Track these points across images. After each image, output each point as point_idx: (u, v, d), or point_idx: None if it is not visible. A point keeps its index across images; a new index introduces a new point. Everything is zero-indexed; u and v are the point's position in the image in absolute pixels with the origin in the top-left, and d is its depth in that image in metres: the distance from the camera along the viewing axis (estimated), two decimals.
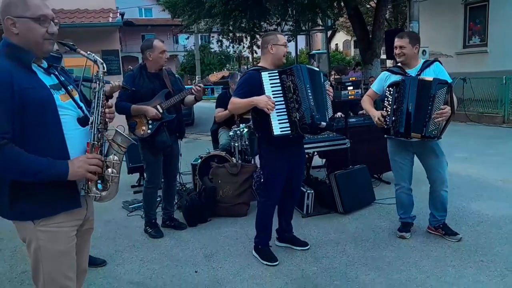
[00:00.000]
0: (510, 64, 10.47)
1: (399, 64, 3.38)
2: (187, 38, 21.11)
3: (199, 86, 3.54)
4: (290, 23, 14.11)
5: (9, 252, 3.53)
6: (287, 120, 2.84)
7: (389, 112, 3.20)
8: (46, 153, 1.55)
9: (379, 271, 2.96)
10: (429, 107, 3.04)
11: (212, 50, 31.04)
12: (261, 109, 2.77)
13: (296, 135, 2.88)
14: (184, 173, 5.40)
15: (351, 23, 12.90)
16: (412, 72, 3.27)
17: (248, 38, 16.21)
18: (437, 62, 3.28)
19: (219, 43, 16.75)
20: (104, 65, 1.74)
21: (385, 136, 3.38)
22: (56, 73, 1.71)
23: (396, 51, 3.29)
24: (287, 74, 2.84)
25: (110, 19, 8.98)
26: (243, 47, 17.89)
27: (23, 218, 1.62)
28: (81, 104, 1.73)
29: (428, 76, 3.17)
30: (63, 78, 1.72)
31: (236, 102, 2.94)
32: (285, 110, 2.85)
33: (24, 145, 1.52)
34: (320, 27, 21.18)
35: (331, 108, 2.99)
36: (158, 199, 4.02)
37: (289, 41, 18.23)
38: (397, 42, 3.28)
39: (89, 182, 1.67)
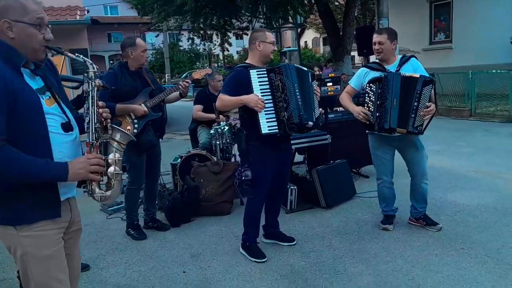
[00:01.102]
0: (474, 60, 10.93)
1: (376, 60, 3.44)
2: (157, 36, 20.80)
3: (187, 82, 3.51)
4: (262, 20, 14.13)
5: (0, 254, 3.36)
6: (275, 119, 2.85)
7: (371, 108, 3.25)
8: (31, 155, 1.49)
9: (366, 263, 3.02)
10: (415, 103, 3.11)
11: (182, 48, 30.70)
12: (250, 108, 2.76)
13: (284, 134, 2.88)
14: (163, 173, 5.31)
15: (322, 20, 13.08)
16: (391, 68, 3.34)
17: (219, 36, 16.13)
18: (414, 58, 3.38)
19: (189, 41, 16.60)
20: (94, 65, 1.68)
21: (367, 132, 3.44)
22: (41, 74, 1.63)
23: (375, 47, 3.34)
24: (275, 73, 2.84)
25: (78, 17, 8.70)
26: (214, 44, 17.78)
27: (3, 223, 1.55)
28: (65, 109, 1.66)
29: (407, 71, 3.25)
30: (49, 80, 1.65)
31: (224, 99, 2.92)
32: (273, 109, 2.85)
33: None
34: (291, 25, 21.33)
35: (318, 108, 3.01)
36: (140, 200, 3.94)
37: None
38: (376, 38, 3.33)
39: (93, 183, 1.61)
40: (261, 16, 13.33)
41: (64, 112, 1.64)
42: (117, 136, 1.69)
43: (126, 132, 1.72)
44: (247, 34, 16.60)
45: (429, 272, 2.83)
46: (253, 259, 3.13)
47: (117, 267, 3.18)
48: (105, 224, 4.11)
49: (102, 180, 1.63)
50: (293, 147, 4.08)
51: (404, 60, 3.37)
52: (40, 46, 1.56)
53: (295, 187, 4.07)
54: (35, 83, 1.59)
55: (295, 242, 3.38)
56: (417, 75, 3.16)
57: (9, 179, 1.46)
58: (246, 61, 3.12)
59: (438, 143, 6.69)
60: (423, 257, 3.03)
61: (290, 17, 15.65)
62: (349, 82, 3.56)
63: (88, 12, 9.93)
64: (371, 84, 3.28)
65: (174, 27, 15.77)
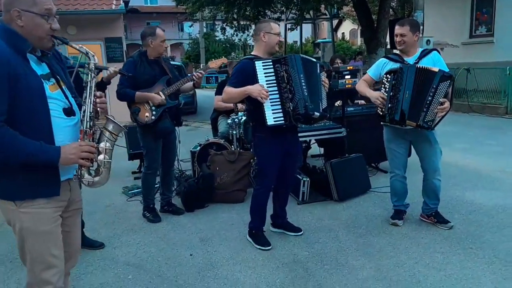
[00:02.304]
0: None
1: (397, 51, 3.39)
2: (191, 26, 21.06)
3: (200, 73, 3.59)
4: (294, 11, 14.01)
5: (12, 233, 3.62)
6: (280, 110, 2.87)
7: (385, 99, 3.22)
8: (34, 136, 1.59)
9: (369, 256, 3.02)
10: (429, 98, 3.06)
11: (217, 38, 30.91)
12: (254, 98, 2.81)
13: (290, 125, 2.91)
14: (185, 160, 5.48)
15: (356, 11, 12.80)
16: (410, 60, 3.29)
17: (253, 26, 16.12)
18: (435, 51, 3.31)
19: (222, 31, 16.70)
20: (95, 57, 1.79)
21: (381, 123, 3.42)
22: (47, 62, 1.74)
23: (397, 39, 3.29)
24: (281, 64, 2.87)
25: (113, 6, 9.00)
26: (247, 35, 17.82)
27: (4, 197, 1.67)
28: (68, 94, 1.76)
29: (426, 65, 3.18)
30: (54, 67, 1.75)
31: (229, 91, 2.98)
32: (278, 100, 2.88)
33: (13, 129, 1.57)
34: (326, 16, 20.99)
35: (325, 99, 3.02)
36: (157, 185, 4.11)
37: (292, 29, 18.18)
38: (398, 30, 3.28)
39: (82, 168, 1.71)
40: (293, 7, 13.23)
41: (67, 98, 1.74)
42: (110, 127, 1.79)
43: (118, 123, 1.82)
44: (278, 25, 16.53)
45: (432, 269, 2.80)
46: (258, 247, 3.21)
47: (129, 247, 3.35)
48: (125, 206, 4.32)
49: (92, 166, 1.74)
50: (307, 138, 4.11)
51: (424, 53, 3.31)
52: (46, 35, 1.66)
53: (308, 179, 4.10)
54: (41, 69, 1.70)
55: (301, 232, 3.43)
56: (436, 69, 3.10)
57: (3, 159, 1.57)
58: (252, 53, 3.16)
59: (466, 141, 6.48)
60: (428, 255, 3.00)
61: (323, 8, 15.40)
62: (367, 71, 3.54)
63: (127, 2, 10.19)
64: (387, 75, 3.25)
65: (208, 17, 15.91)
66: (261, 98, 2.78)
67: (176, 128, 3.99)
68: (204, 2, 13.09)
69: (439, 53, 3.30)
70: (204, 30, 26.64)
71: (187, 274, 2.89)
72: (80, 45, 1.80)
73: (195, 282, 2.79)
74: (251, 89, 2.84)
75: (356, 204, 4.08)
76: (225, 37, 28.48)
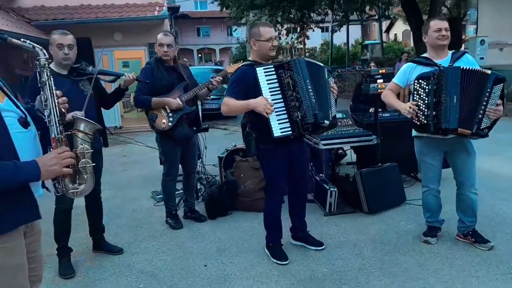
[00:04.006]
0: None
1: (426, 55, 3.12)
2: (235, 30, 21.24)
3: (219, 78, 3.51)
4: (338, 12, 13.68)
5: None
6: (287, 120, 2.68)
7: (421, 107, 2.94)
8: None
9: (393, 277, 2.78)
10: (484, 103, 2.77)
11: None
12: (258, 112, 2.64)
13: (297, 135, 2.73)
14: (216, 165, 5.43)
15: (405, 11, 12.26)
16: (443, 62, 3.00)
17: (298, 29, 15.98)
18: (467, 53, 3.03)
19: None
20: (45, 51, 1.61)
21: (416, 135, 3.14)
22: None
23: (442, 33, 2.96)
24: (284, 69, 2.67)
25: (156, 13, 9.22)
26: (291, 38, 17.68)
27: None
28: (18, 104, 1.58)
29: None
30: None
31: (230, 104, 2.76)
32: (284, 109, 2.69)
33: None
34: (374, 17, 20.33)
35: (335, 106, 2.81)
36: (181, 191, 4.08)
37: (334, 31, 17.74)
38: (442, 23, 2.98)
39: (65, 179, 1.58)
40: (337, 9, 12.91)
41: (18, 107, 1.56)
42: (81, 127, 1.65)
43: (90, 121, 1.70)
44: (319, 27, 16.24)
45: None
46: (275, 260, 3.06)
47: (146, 254, 3.33)
48: (151, 211, 4.33)
49: (76, 175, 1.60)
50: (334, 146, 3.89)
51: (457, 56, 3.02)
52: None
53: (335, 189, 3.89)
54: None
55: (323, 247, 3.23)
56: (488, 71, 2.82)
57: None
58: (250, 59, 3.00)
59: None
60: (460, 278, 2.70)
61: (369, 9, 14.89)
62: (393, 79, 3.28)
63: (179, 8, 10.35)
64: (420, 81, 2.97)
65: (253, 21, 15.93)
66: (267, 113, 2.60)
67: (203, 133, 3.93)
68: (247, 6, 13.13)
69: (470, 55, 3.00)
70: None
71: (197, 286, 2.80)
72: (23, 40, 1.60)
73: None
74: (255, 104, 2.65)
75: (387, 217, 3.81)
76: None
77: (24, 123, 1.53)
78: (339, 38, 24.64)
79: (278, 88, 2.71)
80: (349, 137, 3.88)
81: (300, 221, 3.27)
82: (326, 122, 2.66)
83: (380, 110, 4.49)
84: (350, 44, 29.52)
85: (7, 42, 1.59)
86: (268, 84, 2.70)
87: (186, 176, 3.87)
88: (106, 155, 7.56)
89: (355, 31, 26.29)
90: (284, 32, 17.16)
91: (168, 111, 3.47)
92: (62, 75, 2.91)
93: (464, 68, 2.84)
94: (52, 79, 1.60)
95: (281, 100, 2.71)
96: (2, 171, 1.38)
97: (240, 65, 3.48)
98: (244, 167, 4.19)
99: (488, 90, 2.73)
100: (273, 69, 2.72)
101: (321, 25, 18.01)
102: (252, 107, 2.68)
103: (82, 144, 1.64)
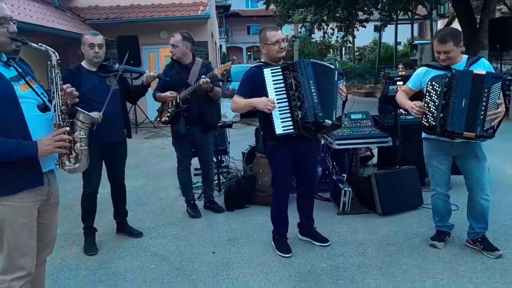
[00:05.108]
0: None
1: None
2: (282, 27, 21.31)
3: (206, 80, 3.52)
4: (383, 12, 13.38)
5: (71, 217, 4.12)
6: (290, 119, 2.80)
7: (431, 109, 2.95)
8: (10, 137, 1.74)
9: (390, 277, 2.82)
10: (484, 104, 2.76)
11: (313, 40, 30.73)
12: (260, 110, 2.80)
13: (299, 134, 2.84)
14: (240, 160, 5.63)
15: (455, 9, 11.77)
16: (457, 67, 2.98)
17: (343, 28, 15.80)
18: (483, 58, 2.98)
19: (308, 33, 16.60)
20: (56, 54, 1.91)
21: (424, 137, 3.15)
22: (15, 65, 1.91)
23: (441, 56, 2.95)
24: (289, 70, 2.80)
25: (199, 12, 9.58)
26: (336, 37, 17.48)
27: None
28: (40, 93, 1.91)
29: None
30: (20, 70, 1.92)
31: (237, 101, 2.97)
32: (288, 108, 2.81)
33: None
34: (419, 16, 19.56)
35: (341, 107, 2.88)
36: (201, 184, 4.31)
37: (378, 31, 17.21)
38: (441, 47, 2.91)
39: (63, 157, 1.90)
40: (382, 7, 12.63)
41: (39, 96, 1.89)
42: (80, 117, 1.95)
43: (88, 113, 1.97)
44: (364, 27, 15.88)
45: None
46: (279, 253, 3.20)
47: (163, 238, 3.59)
48: (175, 200, 4.60)
49: (72, 155, 1.92)
50: (349, 147, 3.94)
51: (472, 61, 2.98)
52: (5, 39, 1.80)
53: (350, 189, 3.94)
54: (9, 73, 1.85)
55: (328, 243, 3.32)
56: (483, 72, 2.80)
57: None
58: (262, 60, 3.13)
59: None
60: (458, 284, 2.69)
61: (414, 8, 14.39)
62: (407, 82, 3.28)
63: (230, 6, 10.64)
64: (433, 82, 2.97)
65: (298, 20, 15.97)
66: (268, 110, 2.75)
67: (227, 129, 4.07)
68: (291, 5, 13.20)
69: (485, 59, 2.94)
70: (302, 32, 26.72)
71: (202, 271, 3.01)
72: (40, 44, 1.90)
73: (206, 279, 2.90)
74: (257, 102, 2.82)
75: (400, 220, 3.80)
76: (321, 39, 28.25)
77: (43, 109, 1.88)
78: (392, 37, 23.97)
79: (284, 88, 2.84)
80: (364, 138, 3.91)
81: (307, 218, 3.38)
82: (328, 121, 2.75)
83: (404, 112, 4.46)
84: (402, 44, 28.55)
85: (28, 45, 1.90)
86: (274, 84, 2.84)
87: (203, 171, 4.12)
88: (146, 147, 8.07)
89: (408, 30, 25.36)
90: (331, 31, 16.98)
91: (170, 106, 3.71)
92: (91, 72, 3.21)
93: (475, 72, 2.82)
94: (59, 76, 1.90)
95: (286, 99, 2.83)
96: (6, 146, 1.72)
97: (225, 68, 3.62)
98: (263, 163, 4.33)
99: (487, 90, 2.70)
100: (279, 70, 2.85)
101: (369, 24, 17.69)
102: (254, 105, 2.86)
103: (79, 131, 1.94)
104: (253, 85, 2.92)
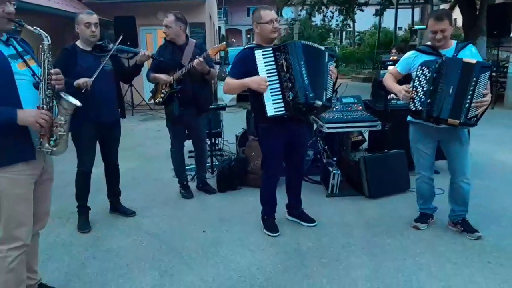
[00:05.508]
0: None
1: (428, 43, 3.14)
2: (277, 11, 21.09)
3: (199, 60, 3.54)
4: None
5: (68, 195, 4.19)
6: (281, 100, 2.85)
7: (419, 94, 3.01)
8: None
9: (373, 256, 2.93)
10: (470, 92, 2.83)
11: (314, 24, 30.44)
12: (254, 89, 2.85)
13: (291, 115, 2.90)
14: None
15: None
16: (446, 53, 3.02)
17: (343, 11, 15.67)
18: (471, 44, 3.03)
19: (309, 16, 16.47)
20: (48, 38, 1.98)
21: (410, 120, 3.22)
22: (15, 44, 2.00)
23: (437, 36, 2.99)
24: (281, 52, 2.83)
25: None
26: (336, 20, 17.34)
27: None
28: (36, 72, 2.01)
29: (464, 58, 2.93)
30: (21, 49, 2.02)
31: (229, 83, 3.01)
32: (279, 89, 2.86)
33: None
34: (420, 0, 19.36)
35: (331, 88, 2.94)
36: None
37: (377, 15, 17.10)
38: (438, 25, 2.95)
39: (42, 139, 1.98)
40: None
41: (34, 75, 1.99)
42: (64, 104, 2.02)
43: (71, 101, 2.04)
44: (362, 10, 15.77)
45: (433, 279, 2.63)
46: (267, 232, 3.30)
47: (156, 218, 3.69)
48: (169, 182, 4.68)
49: (52, 137, 2.00)
50: (339, 130, 4.00)
51: (461, 46, 3.02)
52: (1, 18, 1.90)
53: (338, 171, 4.03)
54: (8, 50, 1.95)
55: (315, 223, 3.42)
56: (474, 61, 2.85)
57: None
58: (253, 42, 3.17)
59: None
60: (437, 263, 2.80)
61: None
62: (396, 65, 3.33)
63: None
64: (423, 67, 3.01)
65: (298, 2, 15.82)
66: (261, 89, 2.81)
67: (221, 112, 4.11)
68: None
69: (474, 46, 2.99)
70: (303, 15, 26.47)
71: (192, 249, 3.11)
72: (35, 27, 1.99)
73: (196, 256, 3.00)
74: (250, 82, 2.87)
75: (387, 202, 3.90)
76: (322, 22, 28.00)
77: (37, 87, 1.98)
78: (393, 22, 23.73)
79: (275, 70, 2.89)
80: (354, 121, 3.96)
81: (295, 199, 3.47)
82: (318, 102, 2.80)
83: (395, 97, 4.51)
84: (403, 29, 28.28)
85: (24, 28, 1.98)
86: (265, 66, 2.88)
87: (196, 153, 4.21)
88: (142, 129, 8.10)
89: (409, 15, 25.11)
90: (331, 14, 16.86)
91: (164, 87, 3.76)
92: (86, 51, 3.25)
93: (465, 60, 2.87)
94: (48, 60, 1.97)
95: (277, 81, 2.88)
96: None
97: (220, 48, 3.64)
98: (255, 146, 4.39)
99: (475, 79, 2.76)
100: (271, 51, 2.89)
101: (370, 8, 17.54)
102: (247, 85, 2.91)
103: (60, 116, 2.02)
104: (245, 66, 2.96)
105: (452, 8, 28.53)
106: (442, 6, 26.47)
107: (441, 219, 3.44)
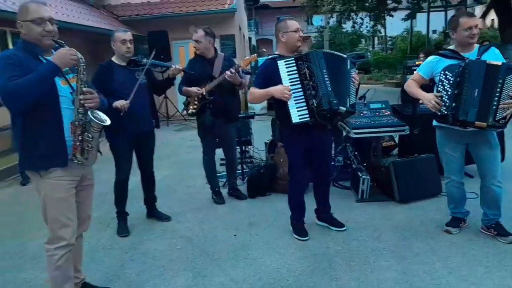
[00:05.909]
0: None
1: (450, 47, 3.15)
2: (306, 20, 21.17)
3: (231, 71, 3.69)
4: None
5: (108, 202, 4.43)
6: (305, 107, 2.94)
7: (444, 98, 3.02)
8: (45, 119, 2.08)
9: (401, 259, 2.94)
10: (497, 94, 2.82)
11: (344, 30, 30.32)
12: (278, 98, 2.95)
13: (315, 122, 2.97)
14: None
15: None
16: (470, 56, 3.03)
17: (373, 17, 15.58)
18: (494, 47, 3.01)
19: (338, 23, 16.48)
20: (83, 59, 2.13)
21: (436, 124, 3.23)
22: None
23: (472, 31, 3.00)
24: (303, 61, 2.93)
25: (226, 6, 9.79)
26: (366, 26, 17.23)
27: (30, 168, 2.18)
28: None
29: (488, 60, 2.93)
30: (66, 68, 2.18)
31: (253, 92, 3.13)
32: (303, 97, 2.95)
33: (33, 112, 2.03)
34: (450, 3, 18.90)
35: (354, 95, 3.00)
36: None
37: (405, 19, 16.79)
38: (473, 21, 2.98)
39: (75, 152, 2.16)
40: None
41: (73, 92, 2.16)
42: (92, 121, 2.16)
43: (97, 121, 2.16)
44: (392, 16, 15.55)
45: (463, 281, 2.61)
46: (296, 236, 3.38)
47: (189, 222, 3.85)
48: (201, 188, 4.84)
49: (84, 150, 2.19)
50: (366, 135, 4.03)
51: (484, 49, 3.02)
52: (41, 37, 2.09)
53: (368, 177, 4.05)
54: None
55: (344, 228, 3.46)
56: (499, 63, 2.85)
57: (28, 95, 1.96)
58: (276, 52, 3.27)
59: None
60: (468, 267, 2.78)
61: None
62: (417, 70, 3.34)
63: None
64: (447, 72, 3.03)
65: (326, 10, 15.88)
66: (285, 97, 2.90)
67: (251, 120, 4.24)
68: None
69: (497, 48, 2.97)
70: (331, 23, 26.44)
71: (223, 252, 3.23)
72: (72, 49, 2.12)
73: (227, 259, 3.12)
74: (273, 91, 2.97)
75: (418, 207, 3.88)
76: (352, 29, 27.84)
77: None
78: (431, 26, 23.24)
79: (298, 78, 2.99)
80: (381, 126, 3.99)
81: (323, 204, 3.53)
82: (342, 108, 2.88)
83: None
84: (437, 32, 27.64)
85: (62, 47, 2.16)
86: (288, 75, 2.99)
87: (226, 160, 4.35)
88: (176, 139, 8.39)
89: (442, 18, 24.57)
90: (361, 20, 16.79)
91: (196, 99, 3.92)
92: (121, 66, 3.48)
93: (489, 62, 2.86)
94: (82, 80, 2.15)
95: (300, 89, 2.98)
96: (30, 80, 1.96)
97: (251, 59, 3.78)
98: (283, 153, 4.47)
99: (501, 80, 2.74)
100: (293, 61, 3.00)
101: (401, 13, 17.31)
102: (271, 94, 3.02)
103: (89, 133, 2.18)
104: (268, 76, 3.08)
105: (487, 10, 27.62)
106: (477, 8, 25.80)
107: (474, 223, 3.39)
